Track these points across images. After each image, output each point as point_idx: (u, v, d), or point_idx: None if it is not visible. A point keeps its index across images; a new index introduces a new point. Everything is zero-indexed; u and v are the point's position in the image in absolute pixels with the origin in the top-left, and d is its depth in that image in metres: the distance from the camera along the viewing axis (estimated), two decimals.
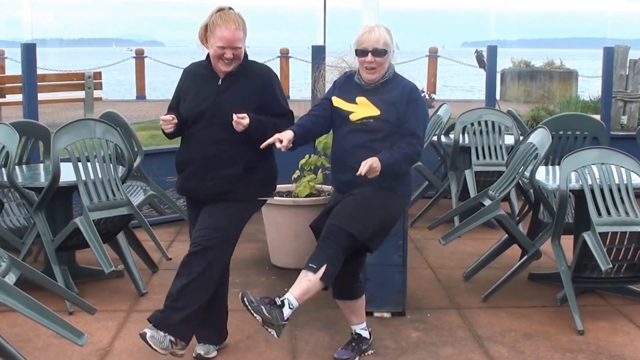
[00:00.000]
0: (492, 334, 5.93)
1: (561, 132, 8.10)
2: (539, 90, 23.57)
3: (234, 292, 5.70)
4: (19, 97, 12.38)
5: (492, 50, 10.85)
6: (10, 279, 4.85)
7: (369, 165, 4.85)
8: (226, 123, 5.06)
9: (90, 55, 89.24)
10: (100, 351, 5.57)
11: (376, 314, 6.22)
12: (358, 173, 4.86)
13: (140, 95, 25.47)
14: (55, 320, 4.64)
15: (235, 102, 5.13)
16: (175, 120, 5.17)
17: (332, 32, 10.54)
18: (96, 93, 16.61)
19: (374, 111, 5.11)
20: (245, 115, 5.02)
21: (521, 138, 7.50)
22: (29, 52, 8.34)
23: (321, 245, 5.06)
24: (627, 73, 14.18)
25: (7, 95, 15.66)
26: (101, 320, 6.09)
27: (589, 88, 21.19)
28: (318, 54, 8.68)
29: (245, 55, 5.28)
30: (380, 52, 5.11)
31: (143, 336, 5.03)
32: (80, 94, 16.43)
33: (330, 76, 7.43)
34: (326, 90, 7.41)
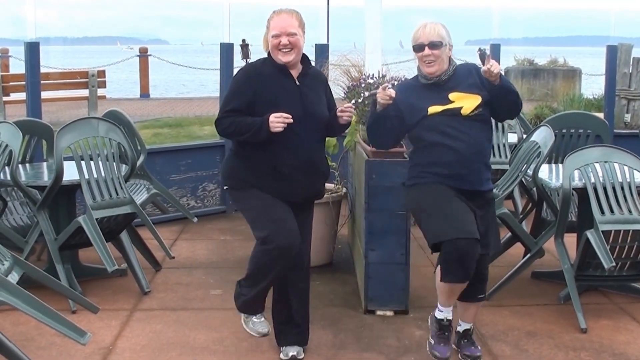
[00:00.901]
0: (495, 333, 5.93)
1: (564, 131, 8.09)
2: (543, 89, 23.56)
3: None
4: (22, 96, 12.41)
5: (496, 48, 10.83)
6: (13, 277, 4.85)
7: (493, 61, 4.95)
8: (317, 124, 5.19)
9: (94, 53, 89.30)
10: (103, 350, 5.58)
11: (379, 313, 6.22)
12: (489, 66, 4.91)
13: (144, 94, 25.50)
14: (58, 319, 4.65)
15: (318, 102, 5.23)
16: (290, 120, 5.00)
17: (335, 31, 10.55)
18: (100, 91, 16.66)
19: (477, 98, 5.12)
20: (350, 105, 5.21)
21: (524, 136, 7.50)
22: (32, 50, 8.35)
23: (486, 276, 5.37)
24: (630, 71, 14.18)
25: (10, 94, 15.71)
26: (104, 319, 6.09)
27: (593, 86, 21.17)
28: (321, 52, 8.68)
29: (307, 58, 5.33)
30: (437, 45, 5.11)
31: None
32: (84, 93, 16.48)
33: (334, 74, 7.42)
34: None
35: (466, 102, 5.11)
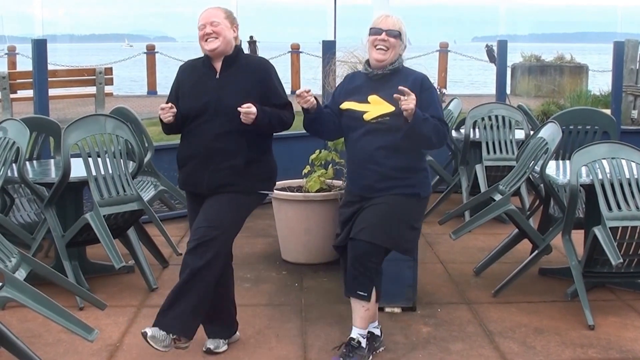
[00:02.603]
0: (502, 329, 5.92)
1: (571, 127, 8.08)
2: (550, 85, 23.54)
3: (245, 287, 5.72)
4: (29, 93, 12.43)
5: (503, 44, 10.84)
6: (21, 274, 4.87)
7: (408, 93, 4.83)
8: (228, 116, 5.10)
9: (100, 51, 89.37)
10: (111, 347, 5.58)
11: (387, 309, 6.21)
12: (401, 88, 4.83)
13: (152, 91, 25.53)
14: (66, 315, 4.66)
15: (236, 94, 5.15)
16: (174, 109, 5.16)
17: (342, 28, 10.54)
18: (107, 88, 16.68)
19: (388, 107, 5.03)
20: (251, 105, 5.05)
21: (532, 133, 7.49)
22: (40, 47, 8.35)
23: (359, 268, 5.07)
24: (637, 67, 14.18)
25: (18, 91, 15.73)
26: (111, 316, 6.10)
27: (599, 82, 21.14)
28: (328, 48, 8.67)
29: (241, 50, 5.36)
30: (394, 33, 5.10)
31: (144, 336, 5.02)
32: (91, 90, 16.50)
33: (341, 71, 7.42)
34: (336, 85, 7.41)
35: (376, 108, 5.07)
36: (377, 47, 5.12)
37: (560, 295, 6.61)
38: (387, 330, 5.80)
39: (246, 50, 8.85)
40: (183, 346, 5.15)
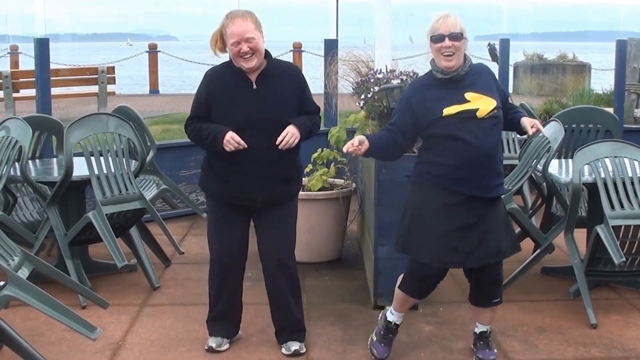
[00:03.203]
0: (504, 328, 5.92)
1: (574, 125, 8.07)
2: (552, 84, 23.51)
3: (247, 286, 5.71)
4: (32, 92, 12.42)
5: (505, 43, 10.82)
6: (24, 273, 4.88)
7: (538, 122, 4.99)
8: (273, 129, 5.10)
9: (103, 50, 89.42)
10: (113, 345, 5.59)
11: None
12: (539, 130, 5.00)
13: (154, 90, 25.52)
14: (68, 314, 4.66)
15: (276, 107, 5.14)
16: (245, 146, 5.04)
17: (344, 26, 10.53)
18: (109, 87, 16.68)
19: (491, 101, 4.96)
20: (289, 132, 5.10)
21: None
22: (42, 47, 8.36)
23: (498, 284, 5.24)
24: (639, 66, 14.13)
25: (20, 90, 15.72)
26: (114, 314, 6.11)
27: (602, 81, 21.11)
28: (330, 47, 8.67)
29: (269, 54, 5.25)
30: (457, 36, 4.90)
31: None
32: (94, 89, 16.49)
33: (343, 70, 7.42)
34: (338, 85, 7.38)
35: (482, 103, 4.94)
36: (444, 54, 4.93)
37: (562, 294, 6.61)
38: None
39: None
40: None
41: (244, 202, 5.28)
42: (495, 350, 5.38)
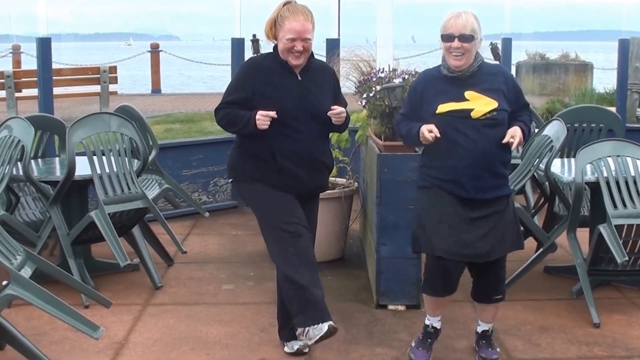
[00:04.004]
0: (507, 327, 5.92)
1: (576, 125, 8.06)
2: (554, 83, 23.47)
3: (249, 285, 5.73)
4: (34, 92, 12.42)
5: (507, 42, 10.81)
6: (26, 272, 4.88)
7: (518, 135, 4.92)
8: (319, 119, 5.17)
9: (105, 49, 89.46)
10: (116, 344, 5.59)
11: (391, 307, 6.22)
12: (512, 143, 4.91)
13: (156, 89, 25.50)
14: (71, 313, 4.67)
15: (319, 98, 5.21)
16: (275, 116, 5.04)
17: (346, 26, 10.53)
18: (111, 87, 16.66)
19: (492, 102, 4.94)
20: (340, 107, 5.20)
21: (536, 130, 7.48)
22: (44, 46, 8.36)
23: (500, 281, 5.28)
24: None
25: (23, 90, 15.71)
26: (117, 314, 6.11)
27: (604, 80, 21.09)
28: (332, 47, 8.67)
29: (312, 53, 5.30)
30: (468, 38, 4.90)
31: (330, 330, 5.05)
32: (96, 88, 16.47)
33: (345, 69, 7.41)
34: (340, 84, 7.39)
35: (480, 103, 4.93)
36: (453, 54, 4.95)
37: (565, 293, 6.60)
38: (392, 327, 5.81)
39: (248, 49, 8.83)
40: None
41: (294, 191, 5.26)
42: (498, 349, 5.38)
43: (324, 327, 4.98)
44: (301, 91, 5.16)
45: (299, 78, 5.19)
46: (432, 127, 4.89)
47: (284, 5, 5.14)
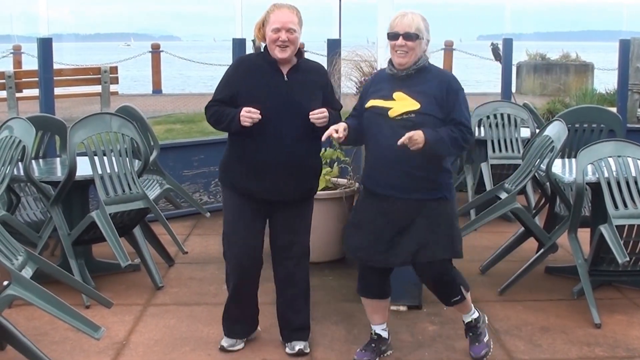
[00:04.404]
0: (508, 328, 5.92)
1: (577, 125, 8.07)
2: (555, 83, 23.50)
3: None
4: (35, 92, 12.43)
5: (508, 43, 10.82)
6: (27, 272, 4.88)
7: (410, 136, 4.76)
8: (302, 119, 5.11)
9: (106, 50, 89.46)
10: (117, 345, 5.59)
11: (392, 308, 6.21)
12: (400, 142, 4.76)
13: (157, 90, 25.50)
14: (72, 313, 4.67)
15: (305, 99, 5.18)
16: (260, 117, 5.03)
17: (347, 26, 10.53)
18: (112, 87, 16.68)
19: (413, 105, 4.93)
20: (323, 110, 5.13)
21: (537, 131, 7.48)
22: (45, 46, 8.36)
23: (443, 286, 5.21)
24: None
25: (23, 90, 15.72)
26: (118, 314, 6.11)
27: (605, 81, 21.10)
28: (333, 47, 8.66)
29: (301, 52, 5.32)
30: (412, 36, 4.95)
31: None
32: (97, 89, 16.49)
33: (346, 69, 7.41)
34: (341, 84, 7.38)
35: (401, 104, 4.96)
36: (398, 52, 5.01)
37: (566, 294, 6.60)
38: (393, 328, 5.80)
39: (249, 50, 8.84)
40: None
41: (274, 197, 5.27)
42: (486, 340, 5.38)
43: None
44: (286, 91, 5.16)
45: (286, 78, 5.19)
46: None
47: (271, 5, 5.22)
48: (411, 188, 4.98)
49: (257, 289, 5.56)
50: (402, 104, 4.96)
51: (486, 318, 5.51)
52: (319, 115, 5.08)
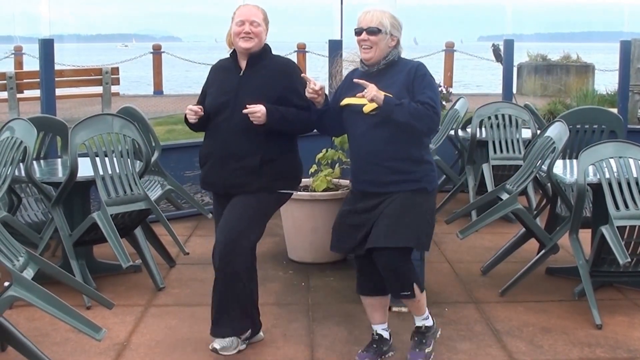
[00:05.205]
0: (509, 329, 5.92)
1: (578, 126, 8.07)
2: (556, 84, 23.50)
3: None
4: (36, 93, 12.44)
5: (509, 44, 10.82)
6: (28, 273, 4.88)
7: (372, 88, 4.86)
8: (244, 114, 5.14)
9: (107, 51, 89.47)
10: (118, 346, 5.59)
11: (394, 309, 6.21)
12: (356, 81, 4.98)
13: (158, 91, 25.51)
14: (73, 314, 4.67)
15: (254, 92, 5.22)
16: (202, 113, 5.26)
17: (349, 27, 10.52)
18: (114, 88, 16.70)
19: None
20: (258, 105, 5.11)
21: (538, 132, 7.48)
22: (46, 47, 8.36)
23: (393, 275, 5.09)
24: None
25: (25, 91, 15.74)
26: (119, 315, 6.11)
27: (606, 82, 21.10)
28: (335, 48, 8.66)
29: (269, 49, 5.41)
30: (374, 31, 5.08)
31: (215, 351, 5.32)
32: (98, 89, 16.51)
33: (347, 70, 7.41)
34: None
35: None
36: (362, 47, 5.16)
37: (567, 295, 6.60)
38: (395, 329, 5.80)
39: None
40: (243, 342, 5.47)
41: (211, 188, 5.56)
42: (427, 352, 5.31)
43: (216, 346, 5.35)
44: (239, 86, 5.28)
45: (241, 74, 5.32)
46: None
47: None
48: (390, 182, 5.05)
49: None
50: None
51: (439, 333, 5.51)
52: (251, 110, 5.11)
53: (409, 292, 5.13)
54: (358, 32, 5.16)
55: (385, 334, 5.44)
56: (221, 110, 5.27)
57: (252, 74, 5.30)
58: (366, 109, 4.99)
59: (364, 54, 5.15)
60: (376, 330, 5.42)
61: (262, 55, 5.35)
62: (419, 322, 5.37)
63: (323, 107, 5.21)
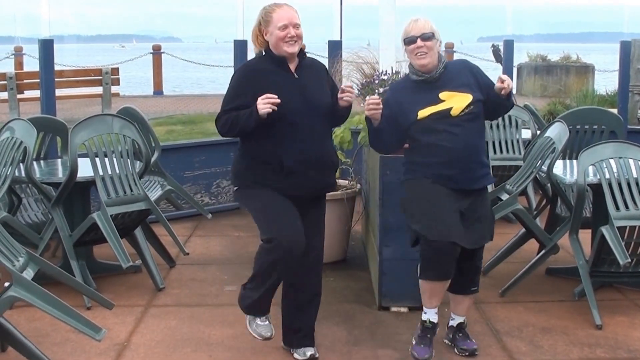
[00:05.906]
0: (509, 329, 5.92)
1: (578, 126, 8.06)
2: (556, 85, 23.49)
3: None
4: (36, 93, 12.43)
5: (509, 44, 10.82)
6: (28, 274, 4.88)
7: (504, 79, 5.15)
8: (321, 114, 5.16)
9: (107, 51, 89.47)
10: (118, 346, 5.59)
11: (393, 309, 6.22)
12: (506, 85, 5.12)
13: (158, 91, 25.50)
14: (73, 315, 4.67)
15: (319, 92, 5.23)
16: (279, 100, 4.91)
17: (348, 28, 10.54)
18: (113, 89, 16.68)
19: (467, 97, 5.16)
20: (351, 85, 5.28)
21: (538, 132, 7.47)
22: (46, 48, 8.36)
23: (479, 269, 5.53)
24: None
25: (25, 91, 15.73)
26: (119, 315, 6.11)
27: (606, 82, 21.09)
28: (335, 49, 8.67)
29: (303, 50, 5.34)
30: (429, 36, 5.15)
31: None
32: (98, 90, 16.50)
33: (347, 71, 7.42)
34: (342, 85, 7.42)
35: (456, 101, 5.15)
36: (418, 54, 5.17)
37: (567, 295, 6.60)
38: (394, 329, 5.81)
39: (250, 51, 8.85)
40: None
41: (299, 193, 5.18)
42: (474, 340, 5.51)
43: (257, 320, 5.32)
44: (300, 88, 5.14)
45: (296, 76, 5.18)
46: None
47: (263, 8, 5.20)
48: (481, 176, 5.27)
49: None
50: (456, 100, 5.16)
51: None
52: (348, 89, 5.18)
53: (477, 288, 5.48)
54: (411, 41, 5.18)
55: (436, 318, 5.43)
56: (291, 115, 5.03)
57: (305, 75, 5.22)
58: (455, 112, 5.12)
59: (420, 60, 5.18)
60: (429, 319, 5.38)
61: (302, 55, 5.29)
62: (461, 319, 5.56)
63: (380, 125, 5.28)
